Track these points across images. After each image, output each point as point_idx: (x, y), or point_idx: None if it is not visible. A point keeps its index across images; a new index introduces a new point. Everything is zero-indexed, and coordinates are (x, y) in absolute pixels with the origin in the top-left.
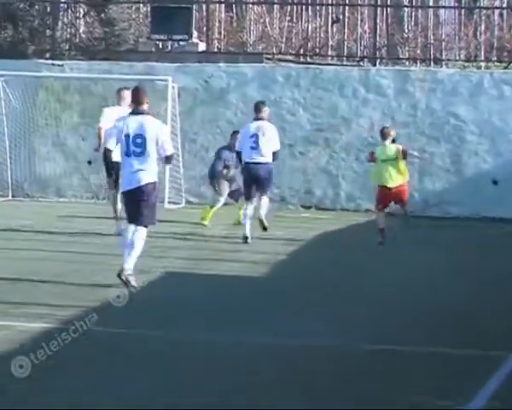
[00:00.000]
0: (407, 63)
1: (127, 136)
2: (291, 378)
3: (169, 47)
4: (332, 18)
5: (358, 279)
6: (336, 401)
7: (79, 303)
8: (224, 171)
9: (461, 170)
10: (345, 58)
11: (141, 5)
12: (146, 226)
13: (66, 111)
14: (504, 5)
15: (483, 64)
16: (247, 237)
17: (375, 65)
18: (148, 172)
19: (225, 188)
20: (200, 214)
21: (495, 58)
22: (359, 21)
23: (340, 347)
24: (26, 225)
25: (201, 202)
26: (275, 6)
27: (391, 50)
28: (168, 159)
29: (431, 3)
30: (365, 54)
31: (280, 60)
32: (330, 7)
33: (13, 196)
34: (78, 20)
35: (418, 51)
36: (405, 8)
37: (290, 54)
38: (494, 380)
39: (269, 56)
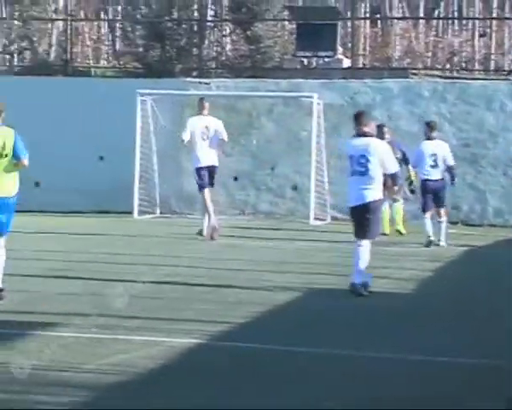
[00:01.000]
0: None
1: (352, 156)
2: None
3: (314, 64)
4: (478, 32)
5: (507, 296)
6: None
7: (226, 319)
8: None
9: None
10: (492, 72)
11: (286, 22)
12: (370, 239)
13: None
14: None
15: None
16: (431, 241)
17: None
18: (372, 191)
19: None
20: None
21: None
22: (506, 35)
23: (484, 364)
24: (169, 242)
25: (346, 217)
26: (420, 21)
27: None
28: (392, 176)
29: None
30: None
31: (426, 74)
32: (477, 21)
33: (161, 213)
34: (224, 39)
35: None
36: None
37: (436, 68)
38: None
39: (414, 71)
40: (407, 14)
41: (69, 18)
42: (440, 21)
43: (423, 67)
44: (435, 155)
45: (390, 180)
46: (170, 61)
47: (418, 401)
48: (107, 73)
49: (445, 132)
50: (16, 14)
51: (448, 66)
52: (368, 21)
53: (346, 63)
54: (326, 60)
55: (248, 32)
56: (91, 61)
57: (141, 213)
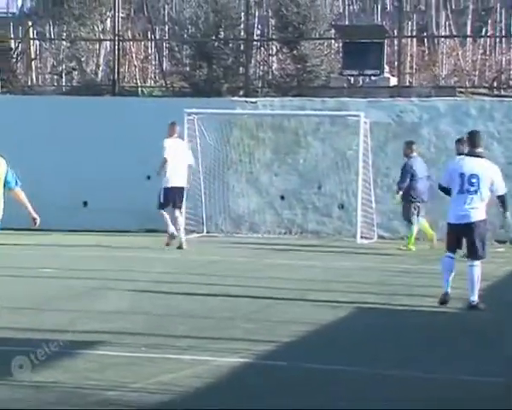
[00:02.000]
0: None
1: (462, 175)
2: None
3: (360, 82)
4: None
5: None
6: None
7: (272, 338)
8: None
9: None
10: None
11: (333, 41)
12: (480, 259)
13: (259, 147)
14: None
15: None
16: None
17: None
18: (479, 210)
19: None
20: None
21: None
22: None
23: None
24: (216, 260)
25: (393, 236)
26: (468, 39)
27: None
28: (500, 198)
29: None
30: None
31: (473, 93)
32: None
33: (207, 232)
34: (270, 58)
35: None
36: None
37: (483, 87)
38: None
39: (461, 90)
40: (454, 33)
41: (117, 38)
42: (488, 40)
43: (470, 86)
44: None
45: (499, 202)
46: (216, 81)
47: None
48: (155, 93)
49: (494, 151)
50: (64, 34)
51: (495, 84)
52: (415, 40)
53: (393, 82)
54: (372, 78)
55: (295, 51)
56: (139, 81)
57: (187, 232)
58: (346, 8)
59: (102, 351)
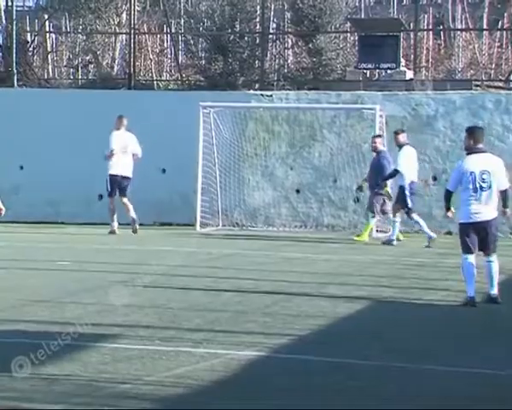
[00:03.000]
0: None
1: (472, 173)
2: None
3: (376, 75)
4: None
5: None
6: None
7: (287, 332)
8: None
9: None
10: None
11: (348, 34)
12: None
13: (274, 141)
14: None
15: None
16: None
17: None
18: (493, 207)
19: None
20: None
21: None
22: None
23: None
24: (231, 254)
25: (409, 230)
26: (484, 32)
27: None
28: (503, 193)
29: None
30: None
31: (489, 86)
32: None
33: (223, 225)
34: (286, 51)
35: None
36: None
37: (499, 80)
38: None
39: (478, 83)
40: (470, 26)
41: (132, 31)
42: (504, 33)
43: (486, 79)
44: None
45: (501, 197)
46: (232, 74)
47: None
48: (170, 86)
49: (510, 144)
50: (80, 27)
51: None
52: (431, 33)
53: (409, 75)
54: (388, 72)
55: (310, 45)
56: (154, 75)
57: (203, 225)
58: (362, 1)
59: (116, 344)
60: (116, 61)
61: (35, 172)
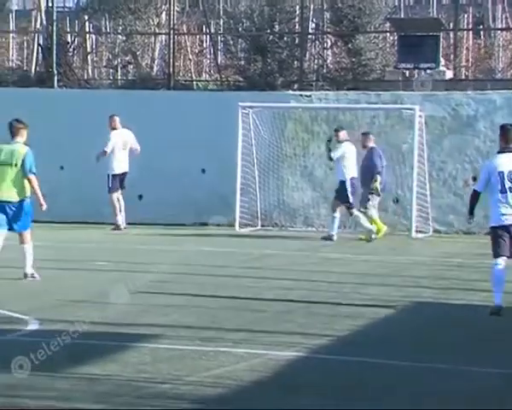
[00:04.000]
0: None
1: (501, 173)
2: None
3: (416, 75)
4: None
5: None
6: None
7: (326, 333)
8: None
9: None
10: None
11: (388, 34)
12: None
13: (313, 141)
14: None
15: None
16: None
17: None
18: None
19: None
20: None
21: None
22: None
23: None
24: (271, 254)
25: (448, 230)
26: None
27: None
28: None
29: None
30: None
31: None
32: None
33: (262, 226)
34: (325, 51)
35: None
36: None
37: None
38: None
39: None
40: (511, 25)
41: (172, 32)
42: None
43: None
44: None
45: None
46: (271, 74)
47: None
48: (209, 87)
49: None
50: (120, 28)
51: None
52: (471, 32)
53: (449, 75)
54: (428, 72)
55: (350, 45)
56: (193, 75)
57: (242, 225)
58: (402, 1)
59: (156, 344)
60: (155, 62)
61: (75, 172)
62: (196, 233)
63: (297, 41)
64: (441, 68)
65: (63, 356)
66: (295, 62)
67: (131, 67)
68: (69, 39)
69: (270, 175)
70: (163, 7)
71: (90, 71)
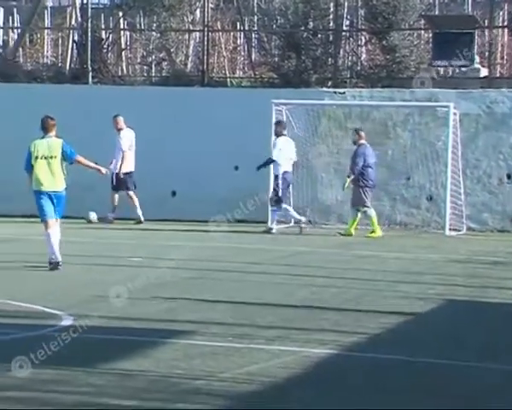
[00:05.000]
0: None
1: None
2: None
3: (450, 73)
4: None
5: None
6: None
7: (360, 330)
8: None
9: None
10: None
11: (422, 31)
12: None
13: (347, 138)
14: None
15: None
16: None
17: None
18: None
19: None
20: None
21: None
22: None
23: None
24: (304, 251)
25: (483, 228)
26: None
27: None
28: None
29: None
30: None
31: None
32: None
33: (295, 223)
34: (359, 48)
35: None
36: None
37: None
38: None
39: None
40: None
41: (206, 29)
42: None
43: None
44: None
45: None
46: (305, 71)
47: None
48: (243, 84)
49: None
50: (154, 25)
51: None
52: (506, 30)
53: (484, 72)
54: (463, 69)
55: (384, 42)
56: (227, 72)
57: (278, 222)
58: None
59: (189, 340)
60: (189, 59)
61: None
62: (229, 230)
63: (331, 38)
64: (476, 66)
65: (96, 352)
66: (329, 59)
67: (165, 63)
68: (104, 36)
69: (303, 172)
70: (197, 4)
71: (124, 67)
